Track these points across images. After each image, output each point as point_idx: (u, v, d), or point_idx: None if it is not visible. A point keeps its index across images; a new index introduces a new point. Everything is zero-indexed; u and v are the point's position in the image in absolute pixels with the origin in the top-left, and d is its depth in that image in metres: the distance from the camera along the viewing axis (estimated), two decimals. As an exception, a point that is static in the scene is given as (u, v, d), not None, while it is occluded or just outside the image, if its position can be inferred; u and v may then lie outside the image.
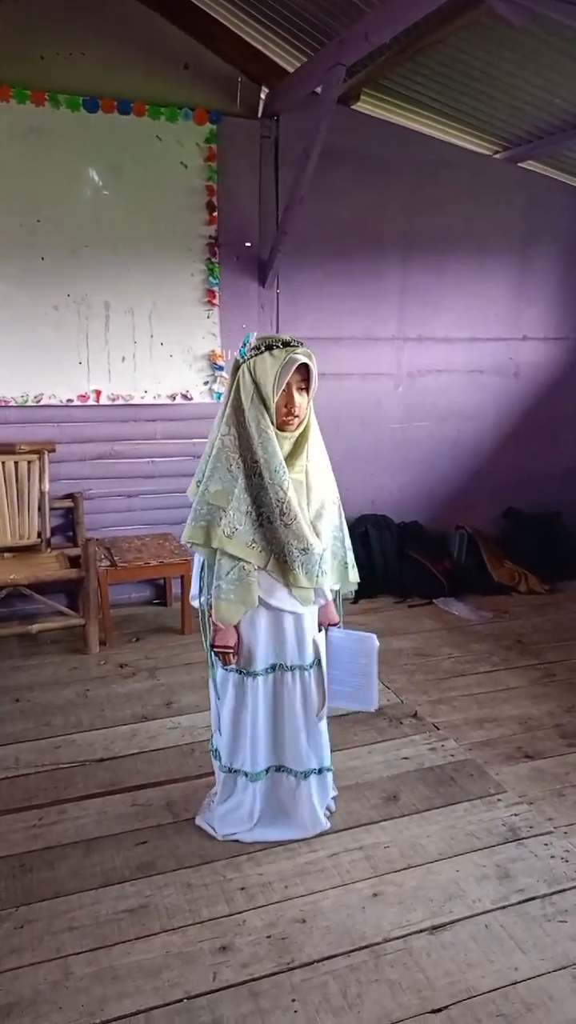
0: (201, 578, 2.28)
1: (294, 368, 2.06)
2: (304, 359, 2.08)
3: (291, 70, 4.14)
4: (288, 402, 2.10)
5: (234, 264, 4.34)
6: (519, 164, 4.79)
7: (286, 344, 2.08)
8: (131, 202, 4.07)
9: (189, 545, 2.20)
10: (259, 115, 4.25)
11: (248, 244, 4.35)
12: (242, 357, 2.13)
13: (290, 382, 2.08)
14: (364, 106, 4.38)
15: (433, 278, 4.81)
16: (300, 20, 3.73)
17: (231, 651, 2.26)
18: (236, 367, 2.14)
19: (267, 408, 2.09)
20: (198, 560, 2.28)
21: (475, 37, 3.42)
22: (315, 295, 4.56)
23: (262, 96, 4.24)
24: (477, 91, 3.99)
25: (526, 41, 3.38)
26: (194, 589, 2.32)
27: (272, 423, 2.11)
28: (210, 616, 2.25)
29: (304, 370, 2.10)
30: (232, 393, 2.13)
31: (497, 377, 5.14)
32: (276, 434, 2.12)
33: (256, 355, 2.09)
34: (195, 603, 2.32)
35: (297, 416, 2.13)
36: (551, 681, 3.65)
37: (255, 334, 2.15)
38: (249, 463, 2.13)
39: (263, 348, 2.08)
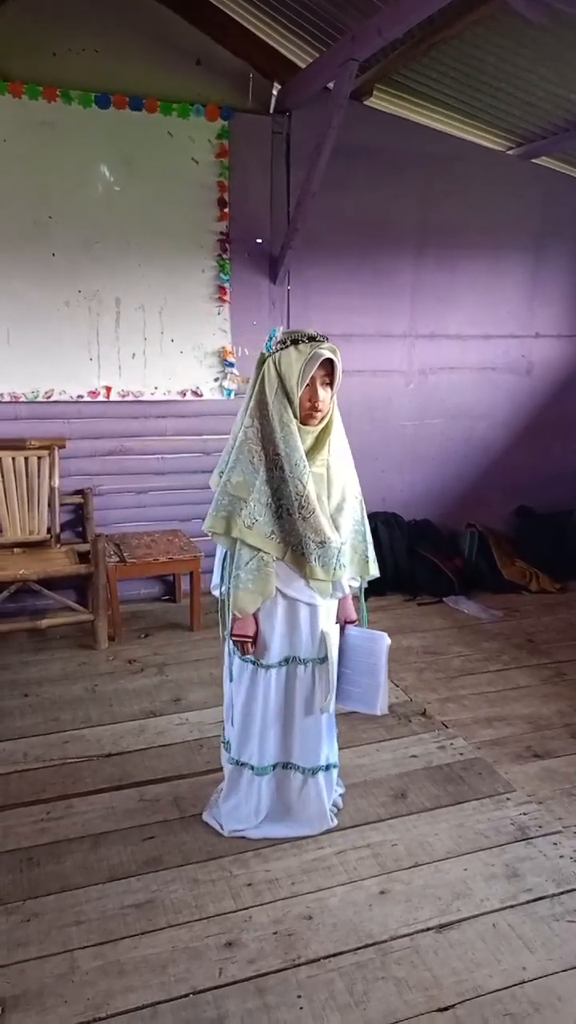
0: (223, 568, 2.29)
1: (319, 363, 2.07)
2: (329, 354, 2.09)
3: (303, 65, 4.13)
4: (312, 396, 2.12)
5: (245, 260, 4.34)
6: (533, 160, 4.76)
7: (312, 339, 2.10)
8: (142, 198, 4.07)
9: (210, 534, 2.23)
10: (271, 111, 4.24)
11: (259, 240, 4.34)
12: (268, 350, 2.14)
13: (314, 376, 2.09)
14: (376, 102, 4.36)
15: (446, 275, 4.79)
16: (312, 15, 3.72)
17: (249, 640, 2.27)
18: (262, 360, 2.16)
19: (291, 402, 2.11)
20: (220, 550, 2.30)
21: (489, 32, 3.40)
22: (326, 291, 4.55)
23: (274, 92, 4.23)
24: (491, 87, 3.97)
25: (541, 37, 3.36)
26: (215, 578, 2.33)
27: (295, 417, 2.13)
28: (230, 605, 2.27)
29: (328, 365, 2.11)
30: (257, 386, 2.15)
31: (510, 375, 5.11)
32: (299, 428, 2.13)
33: (282, 349, 2.11)
34: (216, 592, 2.34)
35: (320, 411, 2.14)
36: (561, 680, 3.62)
37: (281, 328, 2.16)
38: (271, 455, 2.15)
39: (288, 342, 2.10)
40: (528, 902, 2.23)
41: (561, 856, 2.41)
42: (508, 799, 2.69)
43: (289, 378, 2.09)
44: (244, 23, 4.07)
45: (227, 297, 4.32)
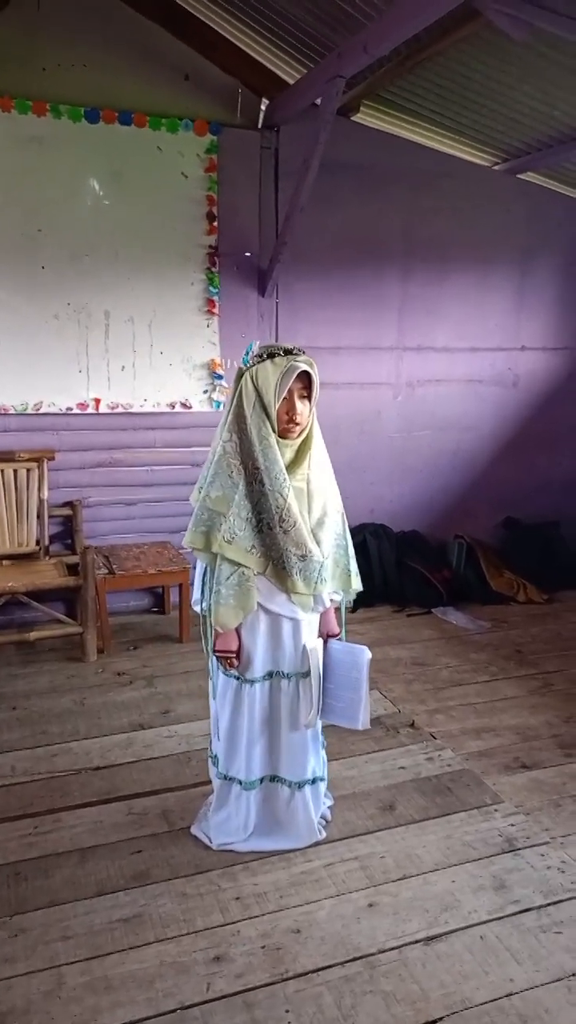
0: (203, 583, 2.29)
1: (295, 376, 2.08)
2: (305, 367, 2.10)
3: (291, 82, 4.17)
4: (290, 409, 2.12)
5: (234, 274, 4.36)
6: (518, 175, 4.82)
7: (288, 352, 2.11)
8: (132, 212, 4.09)
9: (190, 549, 2.23)
10: (259, 126, 4.28)
11: (248, 254, 4.37)
12: (245, 365, 2.15)
13: (292, 390, 2.10)
14: (364, 117, 4.41)
15: (433, 288, 4.83)
16: (300, 32, 3.76)
17: (232, 655, 2.27)
18: (239, 375, 2.16)
19: (268, 415, 2.11)
20: (200, 566, 2.30)
21: (474, 50, 3.45)
22: (314, 305, 4.58)
23: (262, 107, 4.27)
24: (476, 103, 4.02)
25: (525, 54, 3.41)
26: (195, 594, 2.33)
27: (274, 430, 2.13)
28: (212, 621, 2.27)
29: (306, 378, 2.12)
30: (235, 400, 2.15)
31: (496, 387, 5.15)
32: (278, 441, 2.14)
33: (258, 363, 2.12)
34: (196, 608, 2.34)
35: (298, 424, 2.15)
36: (549, 691, 3.64)
37: (258, 342, 2.17)
38: (250, 469, 2.15)
39: (265, 356, 2.11)
40: (515, 914, 2.23)
41: (548, 867, 2.42)
42: (496, 810, 2.70)
43: (266, 392, 2.10)
44: (232, 39, 4.11)
45: (216, 310, 4.34)
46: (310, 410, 2.18)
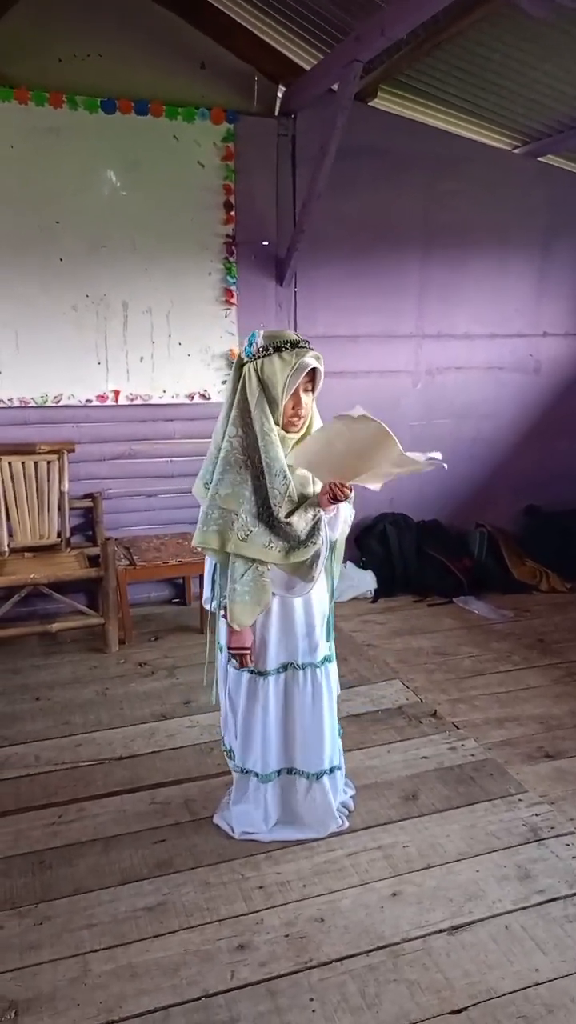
0: (213, 581, 2.28)
1: (304, 373, 2.05)
2: (315, 363, 2.06)
3: (307, 67, 4.13)
4: (296, 404, 2.10)
5: (251, 263, 4.34)
6: (539, 159, 4.75)
7: (295, 344, 2.06)
8: (149, 202, 4.08)
9: (201, 549, 2.19)
10: (276, 113, 4.25)
11: (265, 243, 4.35)
12: (247, 356, 2.09)
13: (298, 384, 2.07)
14: (381, 102, 4.36)
15: (452, 274, 4.78)
16: (316, 17, 3.72)
17: (248, 652, 2.26)
18: (239, 365, 2.11)
19: (274, 410, 2.08)
20: (209, 564, 2.28)
21: (493, 30, 3.39)
22: (333, 293, 4.55)
23: (279, 94, 4.24)
24: (496, 85, 3.96)
25: (546, 33, 3.35)
26: (206, 593, 2.33)
27: (277, 424, 2.09)
28: (223, 618, 2.26)
29: (311, 371, 2.09)
30: (237, 393, 2.10)
31: (517, 374, 5.10)
32: (282, 436, 2.10)
33: (264, 356, 2.06)
34: (207, 606, 2.33)
35: (302, 417, 2.13)
36: (573, 680, 3.60)
37: (261, 332, 2.11)
38: (256, 463, 2.12)
39: (271, 349, 2.05)
40: (540, 903, 2.21)
41: (574, 857, 2.39)
42: (520, 800, 2.68)
43: (273, 387, 2.05)
44: (248, 26, 4.08)
45: (234, 299, 4.32)
46: (312, 401, 2.16)
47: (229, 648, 2.27)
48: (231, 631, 2.23)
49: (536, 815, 2.60)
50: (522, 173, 4.74)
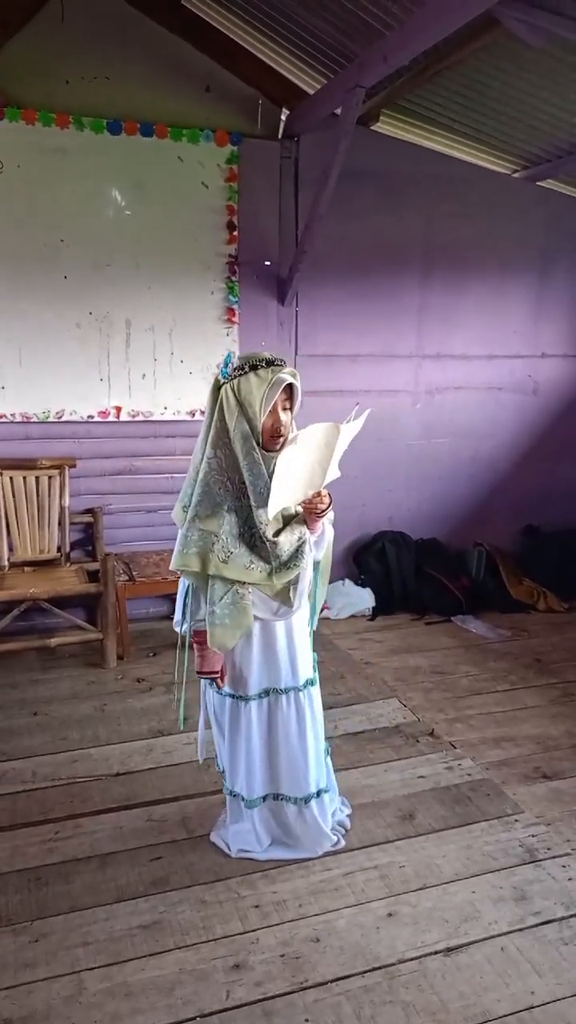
0: (185, 604, 2.26)
1: (281, 389, 2.06)
2: (290, 379, 2.07)
3: (311, 91, 4.20)
4: (275, 422, 2.09)
5: (254, 282, 4.39)
6: (538, 183, 4.81)
7: (270, 363, 2.07)
8: (153, 222, 4.13)
9: (179, 572, 2.18)
10: (279, 136, 4.31)
11: (268, 263, 4.40)
12: (224, 377, 2.10)
13: (276, 401, 2.07)
14: (383, 126, 4.43)
15: (452, 296, 4.83)
16: (320, 42, 3.79)
17: (217, 675, 2.26)
18: (216, 387, 2.11)
19: (253, 429, 2.07)
20: (183, 586, 2.27)
21: (493, 58, 3.45)
22: (334, 313, 4.59)
23: (282, 117, 4.30)
24: (495, 111, 4.02)
25: (543, 61, 3.41)
26: (177, 615, 2.31)
27: (258, 444, 2.09)
28: (193, 642, 2.25)
29: (288, 389, 2.09)
30: (215, 414, 2.10)
31: (516, 394, 5.13)
32: (263, 455, 2.10)
33: (240, 375, 2.06)
34: (178, 629, 2.31)
35: (283, 435, 2.12)
36: (570, 700, 3.61)
37: (236, 353, 2.13)
38: (237, 484, 2.12)
39: (247, 368, 2.06)
40: (536, 925, 2.21)
41: (570, 879, 2.39)
42: (516, 821, 2.68)
43: (251, 405, 2.05)
44: (252, 50, 4.15)
45: (236, 319, 4.36)
46: (292, 419, 2.16)
47: (198, 672, 2.27)
48: (201, 655, 2.23)
49: (532, 836, 2.60)
50: (521, 196, 4.80)
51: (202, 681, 2.38)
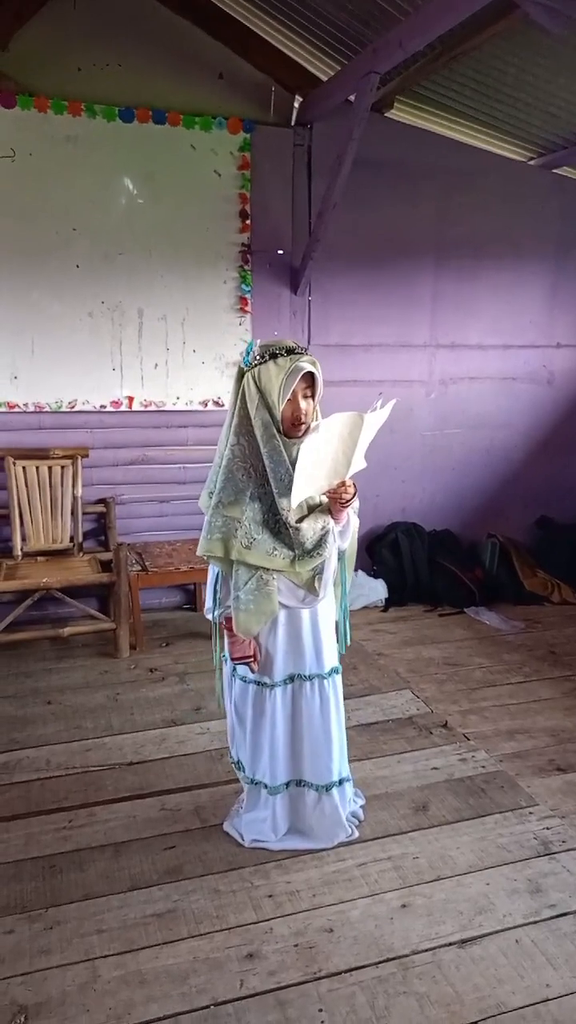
0: (215, 591, 2.28)
1: (299, 377, 2.06)
2: (309, 367, 2.07)
3: (324, 78, 4.16)
4: (294, 409, 2.10)
5: (266, 271, 4.36)
6: (554, 170, 4.76)
7: (290, 351, 2.08)
8: (165, 210, 4.11)
9: (206, 558, 2.20)
10: (292, 123, 4.28)
11: (280, 252, 4.37)
12: (246, 365, 2.12)
13: (296, 390, 2.08)
14: (397, 113, 4.39)
15: (466, 285, 4.79)
16: (333, 28, 3.75)
17: (251, 659, 2.27)
18: (240, 375, 2.13)
19: (273, 416, 2.09)
20: (211, 573, 2.29)
21: (510, 44, 3.41)
22: (347, 302, 4.56)
23: (295, 105, 4.27)
24: (512, 98, 3.98)
25: (561, 47, 3.36)
26: (208, 602, 2.33)
27: (279, 431, 2.11)
28: (224, 629, 2.26)
29: (309, 377, 2.10)
30: (238, 402, 2.13)
31: (531, 384, 5.09)
32: (284, 442, 2.11)
33: (260, 363, 2.08)
34: (209, 616, 2.33)
35: (304, 423, 2.13)
36: (584, 693, 3.59)
37: (259, 342, 2.14)
38: (260, 471, 2.14)
39: (267, 356, 2.07)
40: (551, 918, 2.20)
41: (585, 871, 2.38)
42: (531, 813, 2.67)
43: (270, 392, 2.07)
44: (266, 37, 4.11)
45: (248, 308, 4.34)
46: (314, 408, 2.16)
47: (232, 658, 2.28)
48: (232, 641, 2.24)
49: (547, 829, 2.59)
50: (537, 185, 4.75)
51: (225, 669, 2.38)
